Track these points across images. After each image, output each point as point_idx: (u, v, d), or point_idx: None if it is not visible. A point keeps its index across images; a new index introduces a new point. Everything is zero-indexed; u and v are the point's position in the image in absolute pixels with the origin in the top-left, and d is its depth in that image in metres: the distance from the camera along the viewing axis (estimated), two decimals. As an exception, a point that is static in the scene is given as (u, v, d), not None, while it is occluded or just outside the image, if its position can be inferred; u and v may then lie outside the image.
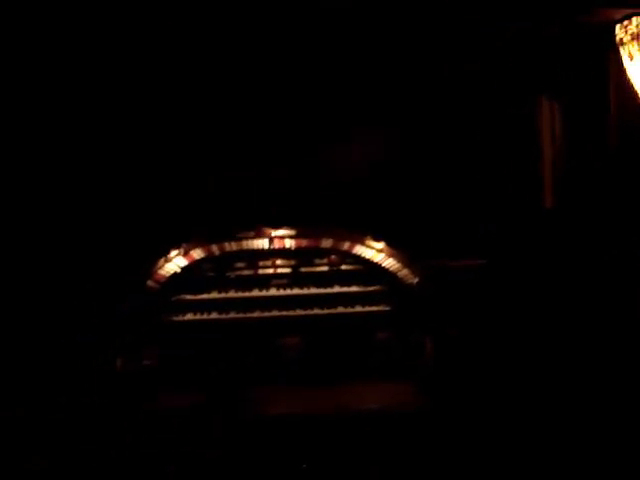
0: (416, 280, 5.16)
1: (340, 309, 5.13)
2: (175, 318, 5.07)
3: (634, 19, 4.68)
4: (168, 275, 5.11)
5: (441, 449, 4.00)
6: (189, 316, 5.08)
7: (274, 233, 5.29)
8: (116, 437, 4.16)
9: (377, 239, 5.29)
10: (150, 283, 5.08)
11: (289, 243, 5.28)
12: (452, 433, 4.17)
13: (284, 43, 4.94)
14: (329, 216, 5.39)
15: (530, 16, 4.80)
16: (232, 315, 5.12)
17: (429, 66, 5.33)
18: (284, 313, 5.12)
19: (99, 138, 5.39)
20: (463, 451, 3.94)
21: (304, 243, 5.29)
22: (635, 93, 4.79)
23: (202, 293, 5.16)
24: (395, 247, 5.28)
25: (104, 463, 3.89)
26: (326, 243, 5.29)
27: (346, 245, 5.29)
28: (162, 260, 5.14)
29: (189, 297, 5.14)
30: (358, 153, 5.53)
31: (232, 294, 5.18)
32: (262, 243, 5.26)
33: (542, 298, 5.05)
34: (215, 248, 5.22)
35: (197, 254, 5.20)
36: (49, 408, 4.50)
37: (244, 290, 5.20)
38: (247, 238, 5.26)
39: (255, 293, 5.18)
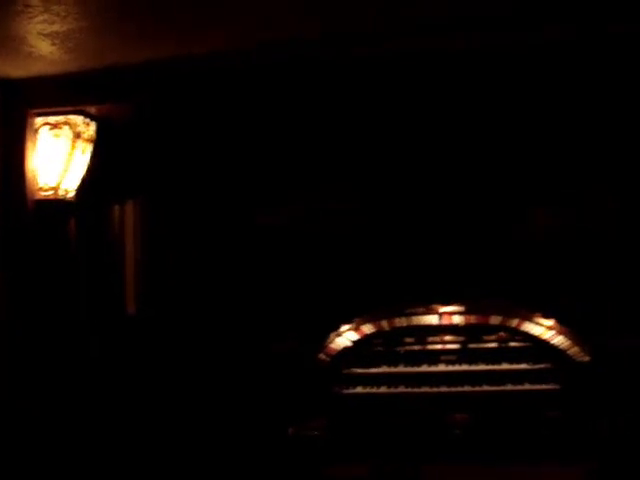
0: (587, 359, 5.60)
1: (509, 386, 5.60)
2: (345, 391, 5.66)
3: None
4: (339, 349, 5.69)
5: None
6: (358, 389, 5.66)
7: (443, 309, 5.78)
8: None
9: (547, 316, 5.73)
10: (322, 356, 5.68)
11: (458, 319, 5.77)
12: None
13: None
14: (499, 291, 5.85)
15: None
16: (401, 389, 5.66)
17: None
18: (452, 389, 5.61)
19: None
20: None
21: (473, 319, 5.76)
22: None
23: (372, 367, 5.72)
24: (565, 324, 5.71)
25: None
26: (495, 320, 5.74)
27: (515, 322, 5.74)
28: (333, 334, 5.72)
29: (359, 370, 5.71)
30: (534, 230, 5.95)
31: (401, 369, 5.72)
32: (431, 319, 5.77)
33: None
34: (385, 323, 5.76)
35: (368, 329, 5.75)
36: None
37: (413, 365, 5.73)
38: (416, 314, 5.76)
39: (424, 368, 5.71)
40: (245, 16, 3.22)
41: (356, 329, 5.68)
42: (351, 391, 5.61)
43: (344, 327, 5.69)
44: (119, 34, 3.37)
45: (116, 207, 5.25)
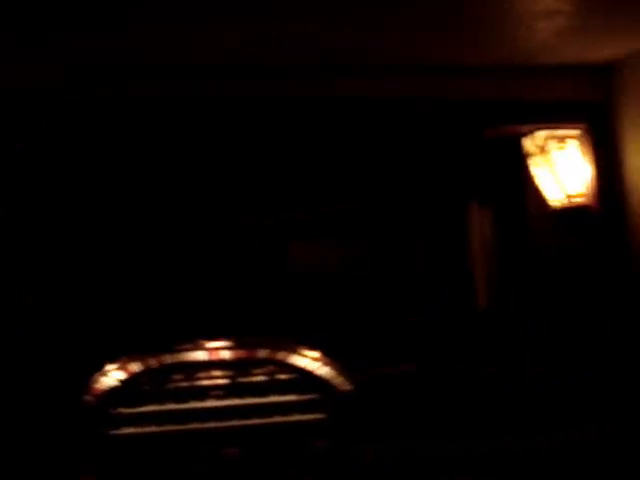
0: (350, 387, 5.93)
1: (277, 418, 5.80)
2: (113, 432, 5.59)
3: (538, 133, 5.80)
4: (105, 389, 5.64)
5: None
6: (127, 430, 5.60)
7: (211, 344, 5.92)
8: None
9: (312, 348, 6.04)
10: (87, 397, 5.60)
11: (226, 354, 5.92)
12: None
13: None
14: (266, 325, 6.10)
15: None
16: (171, 427, 5.67)
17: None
18: (222, 424, 5.72)
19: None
20: None
21: (241, 354, 5.94)
22: (544, 198, 5.88)
23: (140, 406, 5.70)
24: (330, 356, 6.04)
25: None
26: (262, 353, 5.95)
27: (282, 355, 5.99)
28: (98, 374, 5.67)
29: (127, 410, 5.67)
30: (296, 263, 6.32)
31: (170, 406, 5.74)
32: (199, 355, 5.88)
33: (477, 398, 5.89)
34: (153, 361, 5.79)
35: (134, 367, 5.75)
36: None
37: (182, 402, 5.78)
38: (184, 350, 5.85)
39: (193, 404, 5.77)
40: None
41: (122, 368, 5.64)
42: (120, 432, 5.50)
43: (109, 366, 5.64)
44: None
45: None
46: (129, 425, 5.54)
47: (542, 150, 5.69)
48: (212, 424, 5.63)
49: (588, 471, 2.96)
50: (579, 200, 5.57)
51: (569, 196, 5.58)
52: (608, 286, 5.59)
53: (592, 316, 5.72)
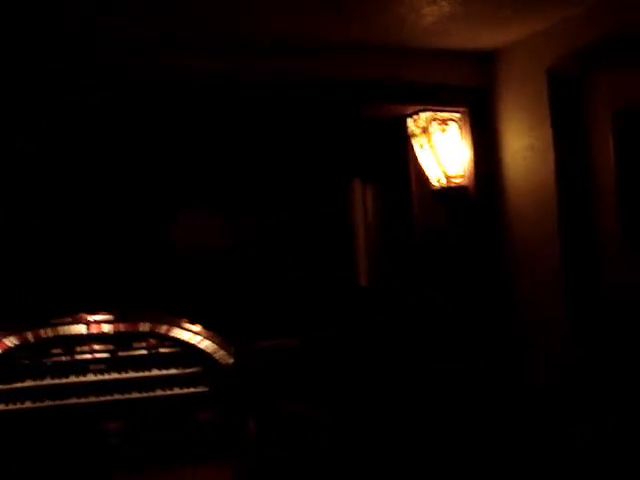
0: (231, 361, 6.01)
1: (159, 392, 5.80)
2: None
3: (421, 114, 6.00)
4: (-22, 365, 5.47)
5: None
6: (3, 407, 5.48)
7: (91, 318, 5.84)
8: None
9: (194, 322, 6.08)
10: (-40, 374, 5.41)
11: (107, 328, 5.86)
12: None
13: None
14: (148, 298, 6.08)
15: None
16: (48, 403, 5.57)
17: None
18: (103, 398, 5.68)
19: None
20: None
21: (122, 327, 5.90)
22: (426, 177, 6.11)
23: (16, 382, 5.58)
24: (211, 329, 6.09)
25: None
26: (144, 327, 5.93)
27: (164, 328, 5.98)
28: (-28, 349, 5.49)
29: (1, 386, 5.53)
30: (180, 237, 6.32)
31: (48, 381, 5.63)
32: (79, 329, 5.79)
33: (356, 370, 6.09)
34: (30, 335, 5.67)
35: (10, 341, 5.61)
36: None
37: (60, 377, 5.69)
38: (63, 324, 5.75)
39: (72, 379, 5.69)
40: None
41: (-2, 341, 5.48)
42: (-5, 408, 5.34)
43: (-16, 340, 5.46)
44: None
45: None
46: (3, 402, 5.36)
47: (425, 131, 5.88)
48: (92, 398, 5.54)
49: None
50: (458, 181, 5.83)
51: (448, 177, 5.82)
52: (479, 265, 5.90)
53: (463, 290, 6.01)
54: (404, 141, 6.07)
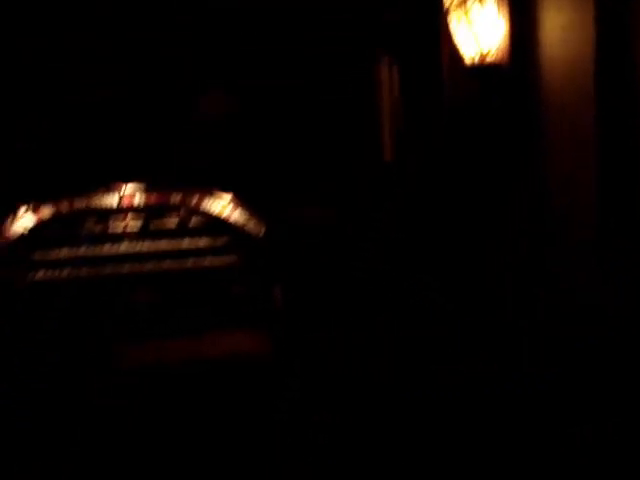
0: (262, 232, 6.14)
1: (190, 262, 6.00)
2: (27, 278, 5.65)
3: None
4: (17, 234, 5.63)
5: (281, 391, 4.98)
6: (40, 275, 5.67)
7: (123, 189, 5.94)
8: None
9: (224, 192, 6.15)
10: (-1, 242, 5.57)
11: (139, 199, 5.96)
12: (293, 377, 5.20)
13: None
14: (178, 170, 6.14)
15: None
16: (84, 272, 5.78)
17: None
18: (136, 268, 5.87)
19: None
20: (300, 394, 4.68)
21: (153, 199, 6.00)
22: (460, 54, 6.00)
23: (53, 251, 5.75)
24: (242, 200, 6.17)
25: None
26: (175, 198, 6.04)
27: (194, 200, 6.10)
28: (9, 218, 5.63)
29: (40, 255, 5.71)
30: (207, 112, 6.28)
31: (83, 251, 5.81)
32: (112, 200, 5.90)
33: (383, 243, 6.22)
34: (65, 205, 5.78)
35: (46, 212, 5.74)
36: None
37: (95, 247, 5.86)
38: (97, 195, 5.85)
39: (106, 249, 5.87)
40: None
41: (34, 212, 5.59)
42: (33, 277, 5.52)
43: (21, 210, 5.57)
44: None
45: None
46: (42, 270, 5.52)
47: (462, 4, 5.70)
48: (126, 268, 5.66)
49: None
50: (493, 58, 5.71)
51: (483, 53, 5.70)
52: (509, 143, 5.88)
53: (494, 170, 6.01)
54: (436, 16, 5.89)
